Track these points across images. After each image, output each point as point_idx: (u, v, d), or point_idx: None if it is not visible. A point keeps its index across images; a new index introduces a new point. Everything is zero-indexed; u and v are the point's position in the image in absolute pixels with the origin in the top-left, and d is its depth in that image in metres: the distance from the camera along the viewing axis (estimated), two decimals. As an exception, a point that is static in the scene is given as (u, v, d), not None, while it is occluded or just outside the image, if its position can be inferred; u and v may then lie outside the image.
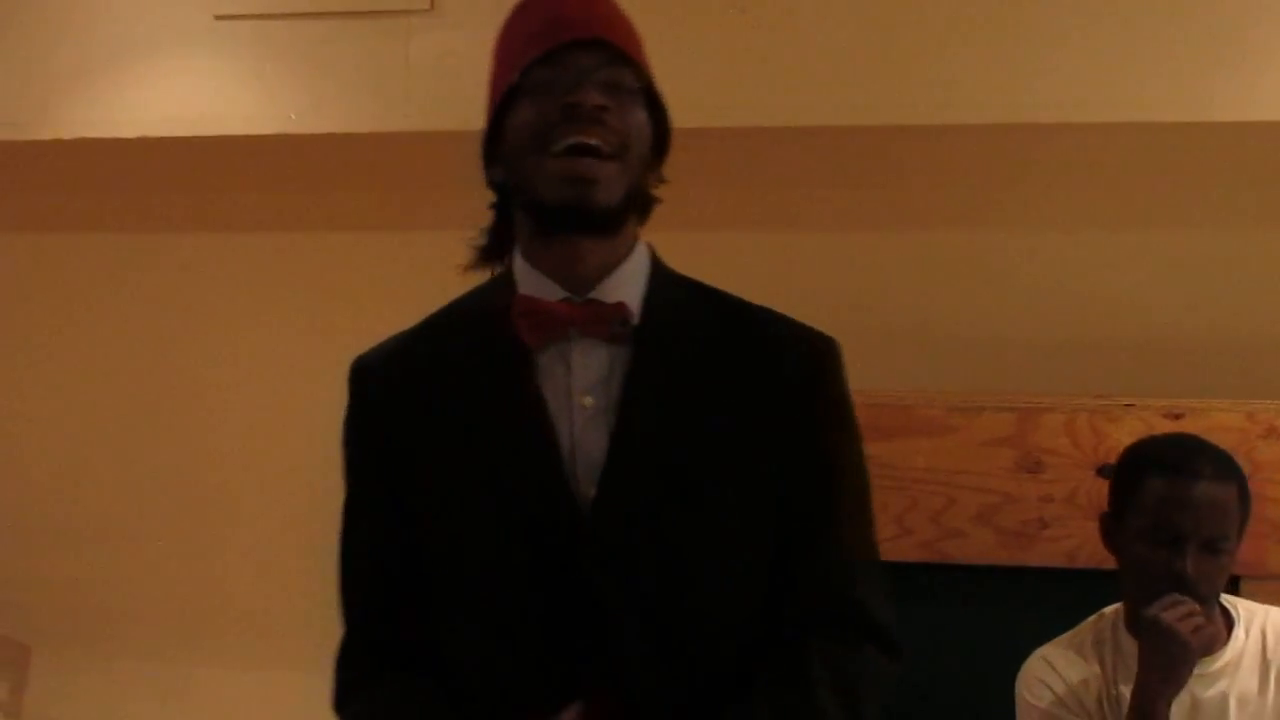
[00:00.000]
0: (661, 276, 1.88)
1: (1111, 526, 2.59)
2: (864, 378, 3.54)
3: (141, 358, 4.16)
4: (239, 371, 4.09)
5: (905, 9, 3.42)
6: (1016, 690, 2.66)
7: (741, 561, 1.82)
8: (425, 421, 1.84)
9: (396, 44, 3.66)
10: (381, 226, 3.98)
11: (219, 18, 3.77)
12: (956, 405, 3.34)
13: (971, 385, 3.49)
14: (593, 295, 1.81)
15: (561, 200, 1.75)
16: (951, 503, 3.32)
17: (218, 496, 4.11)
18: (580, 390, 1.80)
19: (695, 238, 3.91)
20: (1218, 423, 3.21)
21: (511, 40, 1.84)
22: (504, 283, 1.86)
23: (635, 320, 1.82)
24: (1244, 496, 2.51)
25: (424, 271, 3.91)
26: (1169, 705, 2.46)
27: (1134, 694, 2.48)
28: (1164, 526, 2.47)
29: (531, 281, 1.83)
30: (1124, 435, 3.21)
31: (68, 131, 3.86)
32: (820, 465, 1.87)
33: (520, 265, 1.85)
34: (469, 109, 3.60)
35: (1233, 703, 2.55)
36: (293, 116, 3.75)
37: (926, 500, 3.33)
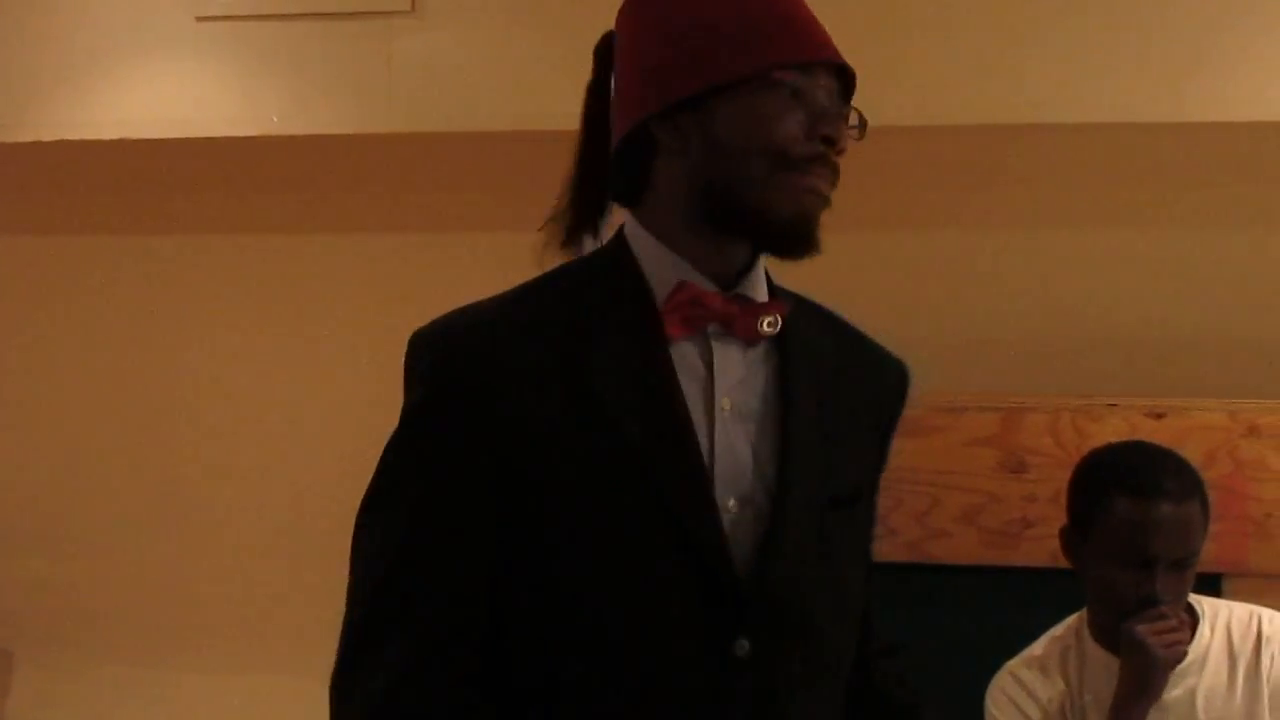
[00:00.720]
0: (771, 281, 1.76)
1: (1074, 540, 2.59)
2: (848, 378, 3.58)
3: (122, 361, 4.15)
4: (221, 375, 4.08)
5: (884, 11, 3.42)
6: (986, 707, 2.67)
7: (863, 588, 1.82)
8: (544, 414, 1.59)
9: (378, 45, 3.66)
10: (364, 228, 3.98)
11: (200, 19, 3.76)
12: (940, 406, 3.34)
13: (955, 385, 3.49)
14: (740, 291, 1.67)
15: (793, 221, 1.63)
16: (936, 503, 3.32)
17: (201, 501, 4.10)
18: (721, 391, 1.65)
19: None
20: (1200, 422, 3.22)
21: (743, 7, 1.66)
22: (616, 260, 1.68)
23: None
24: (1205, 506, 2.52)
25: (408, 273, 3.93)
26: (1144, 716, 2.48)
27: (1111, 705, 2.50)
28: (1133, 550, 2.47)
29: (668, 266, 1.66)
30: (1107, 434, 3.21)
31: (48, 133, 3.84)
32: (877, 483, 1.89)
33: (649, 245, 1.67)
34: (451, 110, 3.63)
35: (1200, 700, 2.55)
36: (275, 118, 3.75)
37: (911, 501, 3.33)
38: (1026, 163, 3.58)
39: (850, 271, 3.67)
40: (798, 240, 1.64)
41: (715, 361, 1.65)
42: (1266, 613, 2.63)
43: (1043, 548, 3.23)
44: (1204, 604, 2.63)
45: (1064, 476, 3.13)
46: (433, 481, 1.61)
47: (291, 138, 3.75)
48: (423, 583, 1.59)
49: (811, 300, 1.81)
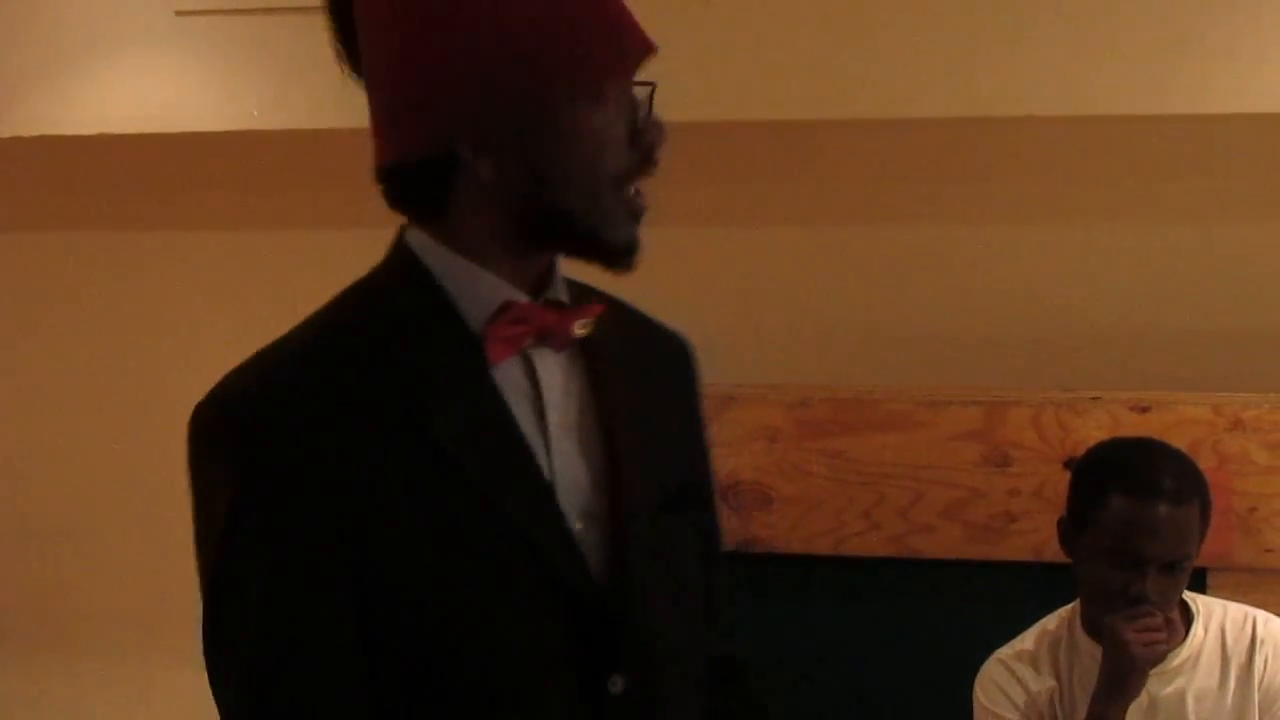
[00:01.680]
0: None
1: (1070, 533, 2.58)
2: (830, 372, 3.58)
3: (103, 356, 4.13)
4: (202, 371, 4.05)
5: (868, 3, 3.41)
6: (975, 695, 2.67)
7: (703, 587, 1.72)
8: (380, 462, 1.46)
9: (360, 39, 3.64)
10: (345, 223, 3.95)
11: (180, 13, 3.74)
12: (923, 400, 3.34)
13: (938, 379, 3.49)
14: (549, 296, 1.59)
15: (627, 241, 1.54)
16: (919, 497, 3.32)
17: (182, 497, 4.08)
18: (550, 407, 1.55)
19: (659, 233, 3.91)
20: (1184, 415, 3.22)
21: (570, 10, 1.51)
22: (411, 283, 1.56)
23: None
24: (1205, 509, 2.51)
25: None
26: (1123, 713, 2.48)
27: (1090, 700, 2.50)
28: (1125, 550, 2.46)
29: (481, 284, 1.54)
30: (1091, 429, 3.21)
31: (27, 129, 3.82)
32: (708, 466, 1.78)
33: (452, 264, 1.54)
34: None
35: (1190, 700, 2.55)
36: (255, 112, 3.73)
37: (894, 495, 3.32)
38: (1009, 156, 3.57)
39: (833, 265, 3.68)
40: (629, 255, 1.56)
41: (540, 376, 1.55)
42: (1261, 615, 2.63)
43: (1027, 542, 3.23)
44: (1199, 603, 2.63)
45: (1048, 471, 3.15)
46: (279, 585, 1.46)
47: (272, 132, 3.74)
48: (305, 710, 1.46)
49: (590, 286, 1.69)
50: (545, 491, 1.52)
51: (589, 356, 1.60)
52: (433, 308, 1.53)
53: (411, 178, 1.56)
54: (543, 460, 1.53)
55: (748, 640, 3.39)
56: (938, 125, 3.46)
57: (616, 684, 1.53)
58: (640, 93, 1.55)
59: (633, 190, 1.55)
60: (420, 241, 1.57)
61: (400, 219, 1.62)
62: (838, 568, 3.39)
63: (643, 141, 1.54)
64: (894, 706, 3.37)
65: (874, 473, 3.33)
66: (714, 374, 3.47)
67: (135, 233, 4.12)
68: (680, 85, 3.42)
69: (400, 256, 1.58)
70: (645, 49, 1.55)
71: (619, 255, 1.54)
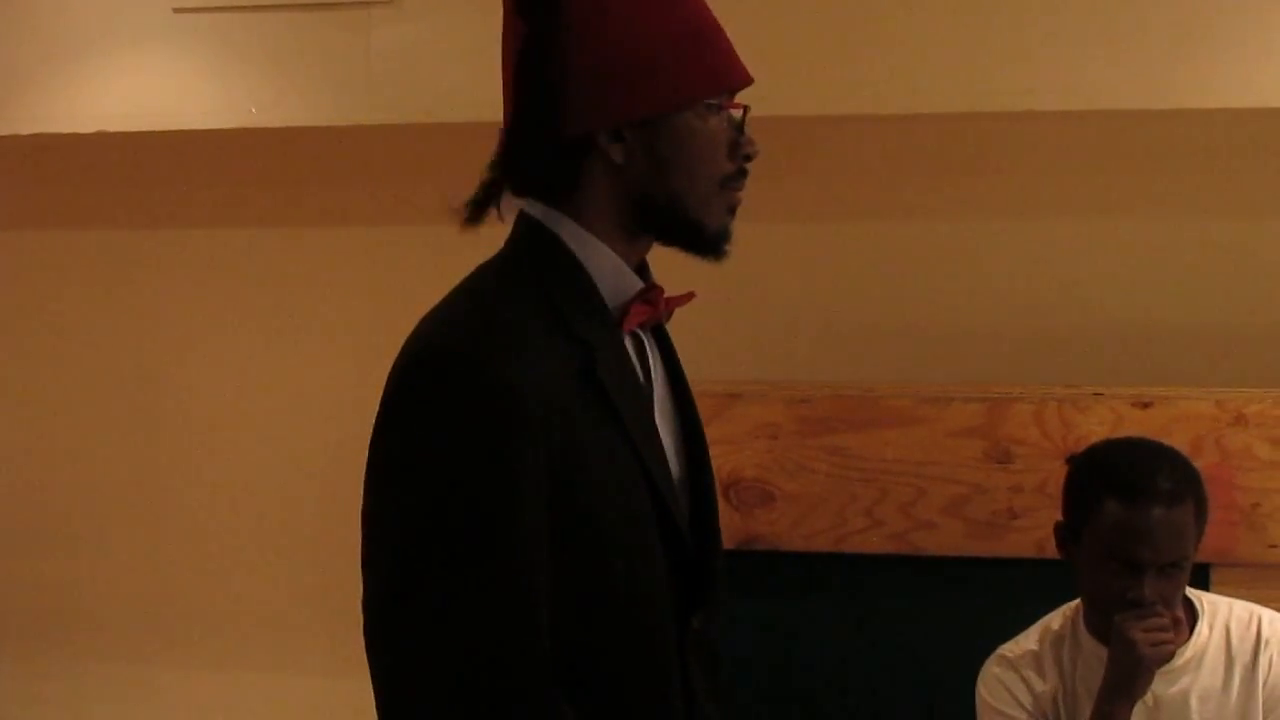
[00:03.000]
0: None
1: (1066, 538, 2.58)
2: (832, 369, 3.58)
3: (102, 356, 4.12)
4: (201, 370, 4.06)
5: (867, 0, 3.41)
6: (978, 691, 2.66)
7: None
8: (571, 417, 1.70)
9: (357, 36, 3.64)
10: (343, 221, 3.96)
11: (178, 11, 3.74)
12: (925, 396, 3.33)
13: (940, 376, 3.49)
14: (649, 281, 1.85)
15: (721, 229, 1.82)
16: (921, 494, 3.31)
17: (185, 497, 4.09)
18: (655, 382, 1.86)
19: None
20: (1186, 411, 3.22)
21: (696, 33, 1.81)
22: (559, 259, 1.78)
23: None
24: (1201, 508, 2.50)
25: (387, 265, 3.92)
26: (1128, 713, 2.47)
27: (1096, 699, 2.49)
28: (1121, 554, 2.45)
29: (609, 264, 1.79)
30: (1093, 425, 3.21)
31: (25, 127, 3.82)
32: None
33: (588, 245, 1.79)
34: (431, 101, 3.61)
35: (1194, 699, 2.55)
36: (253, 110, 3.73)
37: (896, 492, 3.32)
38: (1011, 151, 3.57)
39: (834, 262, 3.68)
40: (721, 246, 1.83)
41: (649, 356, 1.85)
42: (1267, 614, 2.62)
43: (1029, 538, 3.23)
44: (1204, 601, 2.62)
45: (1050, 467, 3.14)
46: (518, 514, 1.63)
47: (270, 129, 3.73)
48: (523, 614, 1.65)
49: None
50: (663, 457, 1.79)
51: (660, 338, 1.90)
52: (577, 280, 1.77)
53: (551, 158, 1.76)
54: None
55: (750, 638, 3.39)
56: (939, 120, 3.46)
57: (698, 619, 1.82)
58: (736, 114, 1.82)
59: (737, 195, 1.82)
60: (549, 216, 1.79)
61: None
62: (840, 565, 3.39)
63: (739, 152, 1.81)
64: (896, 703, 3.37)
65: (876, 469, 3.33)
66: (715, 370, 3.50)
67: (133, 230, 4.11)
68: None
69: (533, 231, 1.79)
70: (746, 78, 1.84)
71: (715, 242, 1.81)
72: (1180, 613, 2.54)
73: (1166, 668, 2.51)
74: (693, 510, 1.86)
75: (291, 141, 3.81)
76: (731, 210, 1.82)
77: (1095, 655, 2.55)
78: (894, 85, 3.38)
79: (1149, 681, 2.47)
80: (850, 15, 3.41)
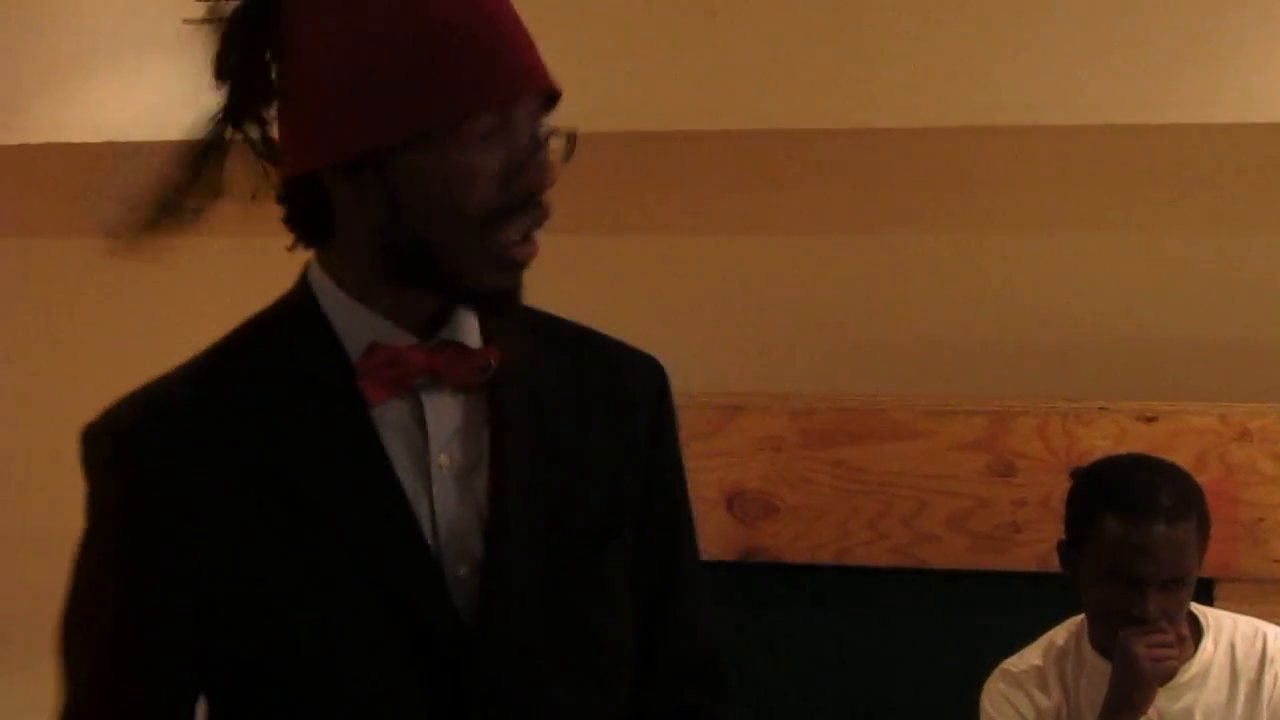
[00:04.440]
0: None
1: (1069, 556, 2.58)
2: (835, 381, 3.58)
3: (107, 362, 4.12)
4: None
5: (872, 13, 3.41)
6: (982, 706, 2.66)
7: (626, 623, 1.62)
8: (240, 505, 1.45)
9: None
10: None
11: (188, 22, 3.74)
12: (928, 409, 3.33)
13: (943, 389, 3.48)
14: (443, 337, 1.51)
15: (494, 288, 1.47)
16: (924, 507, 3.31)
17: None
18: (436, 448, 1.50)
19: (663, 242, 3.91)
20: (1191, 425, 3.22)
21: (428, 35, 1.43)
22: (302, 315, 1.53)
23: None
24: (1203, 524, 2.50)
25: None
26: None
27: (1099, 714, 2.49)
28: (1123, 571, 2.45)
29: (359, 321, 1.49)
30: (1097, 439, 3.21)
31: (35, 136, 3.83)
32: (668, 493, 1.69)
33: (336, 298, 1.51)
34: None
35: (1199, 715, 2.55)
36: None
37: (899, 505, 3.32)
38: (1014, 165, 3.57)
39: (837, 275, 3.68)
40: (499, 303, 1.49)
41: (427, 417, 1.50)
42: (1272, 630, 2.61)
43: (1032, 552, 3.22)
44: (1209, 617, 2.62)
45: (1054, 480, 3.14)
46: (126, 596, 1.48)
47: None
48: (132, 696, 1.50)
49: (541, 313, 1.62)
50: (410, 536, 1.47)
51: (498, 396, 1.53)
52: (315, 343, 1.51)
53: (291, 201, 1.55)
54: (422, 504, 1.48)
55: (753, 650, 3.39)
56: (942, 134, 3.46)
57: None
58: (525, 133, 1.45)
59: (511, 235, 1.45)
60: (316, 274, 1.55)
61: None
62: (842, 577, 3.39)
63: (518, 183, 1.44)
64: (899, 716, 3.36)
65: (879, 482, 3.33)
66: (718, 383, 3.50)
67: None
68: (685, 95, 3.45)
69: (299, 287, 1.57)
70: (525, 85, 1.45)
71: (487, 302, 1.49)
72: (1184, 629, 2.54)
73: (1171, 684, 2.51)
74: (492, 596, 1.49)
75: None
76: (508, 264, 1.46)
77: (1099, 671, 2.55)
78: (896, 99, 3.38)
79: (1152, 697, 2.47)
80: (853, 30, 3.42)
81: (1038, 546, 3.20)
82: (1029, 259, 3.57)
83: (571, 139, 1.48)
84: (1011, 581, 3.28)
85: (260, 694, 1.47)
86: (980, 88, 3.35)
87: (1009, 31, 3.34)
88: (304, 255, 1.63)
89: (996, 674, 2.67)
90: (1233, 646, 2.58)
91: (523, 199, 1.44)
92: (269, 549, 1.45)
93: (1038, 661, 2.65)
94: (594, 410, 1.61)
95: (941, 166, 3.58)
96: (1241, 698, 2.56)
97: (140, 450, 1.49)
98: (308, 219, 1.53)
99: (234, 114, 1.61)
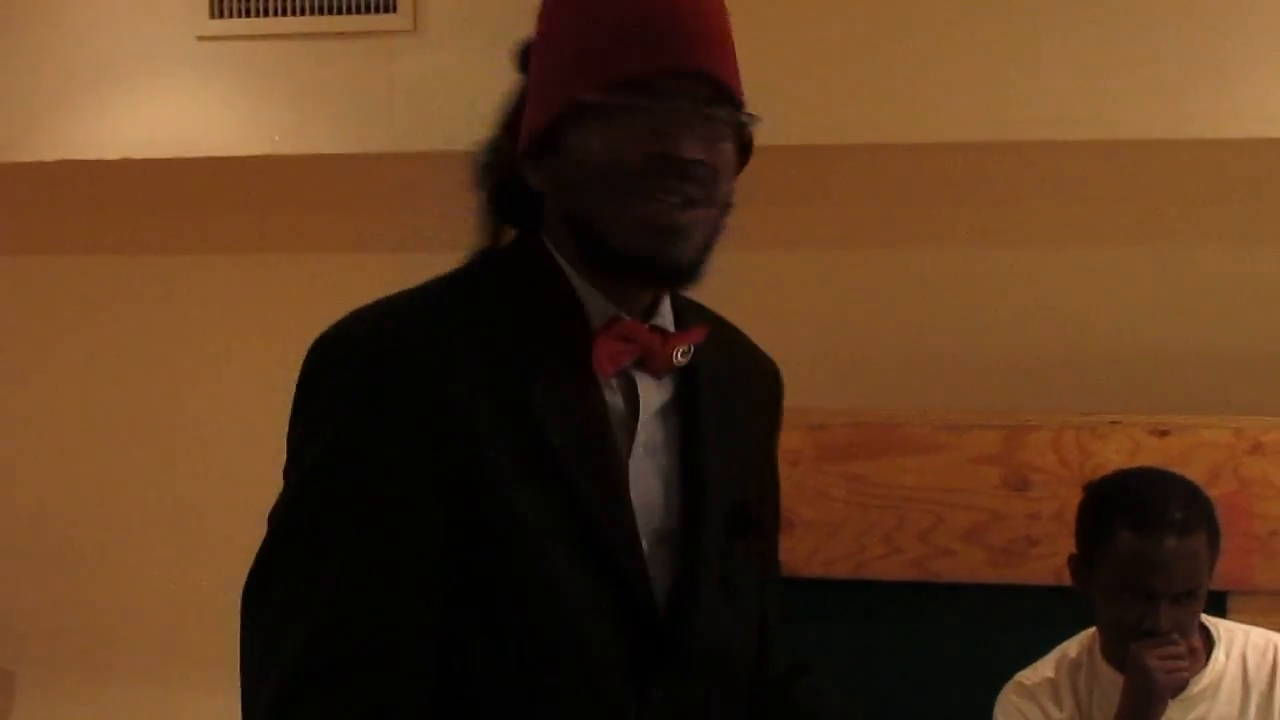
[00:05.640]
0: (676, 297, 1.66)
1: (1081, 570, 2.58)
2: (851, 396, 3.58)
3: (124, 381, 4.14)
4: (223, 395, 4.08)
5: (887, 28, 3.42)
6: (995, 718, 2.66)
7: (759, 608, 1.73)
8: (492, 437, 1.48)
9: (380, 65, 3.66)
10: (365, 248, 3.97)
11: (202, 39, 3.76)
12: (943, 423, 3.33)
13: (958, 403, 3.49)
14: (655, 323, 1.59)
15: (641, 251, 1.51)
16: (939, 521, 3.31)
17: (206, 519, 4.09)
18: (640, 429, 1.58)
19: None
20: (1204, 439, 3.22)
21: (593, 20, 1.53)
22: (546, 276, 1.57)
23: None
24: (1214, 536, 2.50)
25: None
26: None
27: None
28: (1135, 584, 2.46)
29: (593, 299, 1.56)
30: (1111, 452, 3.21)
31: (50, 153, 3.84)
32: (776, 490, 1.82)
33: (573, 273, 1.57)
34: (452, 129, 3.62)
35: None
36: (276, 138, 3.75)
37: (914, 519, 3.32)
38: (1029, 179, 3.58)
39: (853, 289, 3.68)
40: (655, 273, 1.54)
41: (641, 399, 1.58)
42: None
43: (1047, 566, 3.22)
44: (1221, 629, 2.62)
45: (1068, 494, 3.14)
46: (381, 506, 1.47)
47: (293, 157, 3.75)
48: (380, 625, 1.47)
49: (697, 303, 1.71)
50: (626, 509, 1.54)
51: (685, 380, 1.62)
52: (564, 305, 1.55)
53: (501, 190, 1.62)
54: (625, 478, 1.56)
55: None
56: (957, 149, 3.47)
57: (656, 695, 1.55)
58: (677, 106, 1.51)
59: (647, 204, 1.50)
60: (550, 243, 1.59)
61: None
62: (858, 591, 3.39)
63: (658, 149, 1.49)
64: (914, 730, 3.37)
65: (894, 496, 3.33)
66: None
67: (157, 256, 4.14)
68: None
69: (534, 249, 1.59)
70: (667, 60, 1.51)
71: (644, 268, 1.53)
72: (1196, 641, 2.54)
73: (1182, 695, 2.51)
74: (682, 572, 1.58)
75: (314, 169, 3.83)
76: (654, 223, 1.50)
77: (1112, 683, 2.55)
78: (911, 114, 3.39)
79: (1163, 709, 2.47)
80: (869, 46, 3.42)
81: (1052, 560, 3.20)
82: (1044, 273, 3.58)
83: (749, 121, 1.61)
84: (1026, 595, 3.28)
85: (477, 599, 1.49)
86: (993, 104, 3.36)
87: (1025, 48, 3.35)
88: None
89: (1010, 686, 2.68)
90: (1244, 658, 2.58)
91: (665, 165, 1.49)
92: (513, 488, 1.48)
93: (1051, 674, 2.66)
94: (749, 402, 1.71)
95: (957, 181, 3.59)
96: (1253, 709, 2.56)
97: (404, 360, 1.48)
98: (518, 209, 1.60)
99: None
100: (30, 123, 3.88)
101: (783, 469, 3.33)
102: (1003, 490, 3.29)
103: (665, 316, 1.61)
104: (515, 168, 1.58)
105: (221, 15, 3.76)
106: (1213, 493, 2.62)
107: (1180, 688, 2.48)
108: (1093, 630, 2.65)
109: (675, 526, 1.59)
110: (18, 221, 4.20)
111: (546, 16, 1.58)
